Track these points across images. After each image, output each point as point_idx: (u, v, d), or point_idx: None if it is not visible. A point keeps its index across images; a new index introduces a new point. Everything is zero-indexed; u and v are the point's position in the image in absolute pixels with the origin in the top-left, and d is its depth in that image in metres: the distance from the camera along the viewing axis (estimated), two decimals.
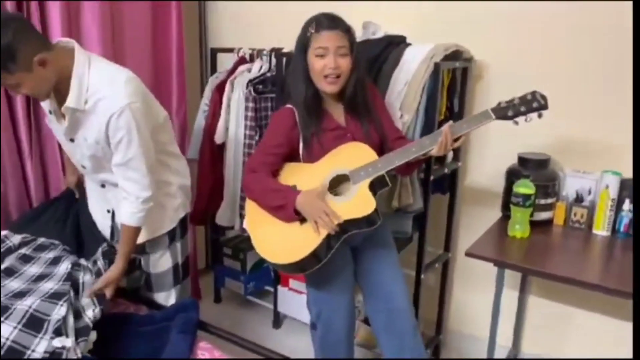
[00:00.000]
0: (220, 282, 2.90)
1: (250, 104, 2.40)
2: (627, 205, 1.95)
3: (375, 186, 1.63)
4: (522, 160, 2.08)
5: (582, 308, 2.22)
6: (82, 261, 1.76)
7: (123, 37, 2.43)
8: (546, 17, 2.07)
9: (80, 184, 2.01)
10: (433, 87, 2.00)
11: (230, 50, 2.66)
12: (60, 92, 1.58)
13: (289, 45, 2.36)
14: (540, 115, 1.60)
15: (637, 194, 1.88)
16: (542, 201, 2.02)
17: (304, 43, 1.64)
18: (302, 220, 1.62)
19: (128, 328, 1.69)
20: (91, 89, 1.56)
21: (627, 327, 2.11)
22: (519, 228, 1.95)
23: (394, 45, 2.10)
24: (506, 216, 2.07)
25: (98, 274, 1.72)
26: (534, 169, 2.03)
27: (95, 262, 1.77)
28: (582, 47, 2.03)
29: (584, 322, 2.21)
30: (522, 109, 1.58)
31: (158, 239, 1.88)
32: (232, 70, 2.56)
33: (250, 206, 1.74)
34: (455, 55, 2.12)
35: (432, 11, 2.30)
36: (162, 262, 1.92)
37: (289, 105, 1.71)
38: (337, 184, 1.66)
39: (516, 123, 1.61)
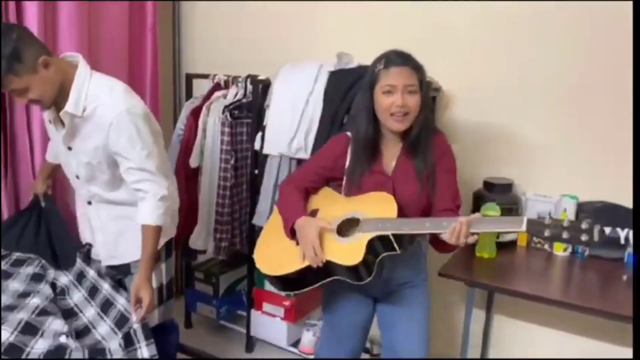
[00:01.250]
0: (191, 307, 2.87)
1: (226, 129, 2.44)
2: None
3: (376, 244, 1.51)
4: (488, 185, 2.20)
5: (545, 325, 2.33)
6: (64, 279, 1.74)
7: (99, 63, 2.44)
8: (509, 47, 2.23)
9: (47, 194, 2.01)
10: None
11: (206, 76, 2.71)
12: (60, 101, 1.62)
13: (263, 72, 2.45)
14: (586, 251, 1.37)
15: (637, 217, 1.93)
16: None
17: (371, 79, 1.57)
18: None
19: None
20: (90, 97, 1.61)
21: (587, 342, 2.24)
22: (486, 249, 2.05)
23: None
24: None
25: (92, 290, 1.71)
26: (499, 193, 2.16)
27: (82, 275, 1.75)
28: (542, 77, 2.19)
29: (546, 338, 2.33)
30: (564, 235, 1.31)
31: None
32: (208, 96, 2.61)
33: (269, 222, 1.81)
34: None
35: (403, 43, 2.42)
36: None
37: (348, 133, 1.69)
38: (350, 224, 1.61)
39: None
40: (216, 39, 2.97)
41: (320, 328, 2.46)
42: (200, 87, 2.76)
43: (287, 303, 2.51)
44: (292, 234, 1.62)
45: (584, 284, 1.95)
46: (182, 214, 2.55)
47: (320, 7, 2.62)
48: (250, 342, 2.70)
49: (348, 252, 1.51)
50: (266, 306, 2.57)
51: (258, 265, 1.70)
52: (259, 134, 2.38)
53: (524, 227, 1.34)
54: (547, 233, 1.33)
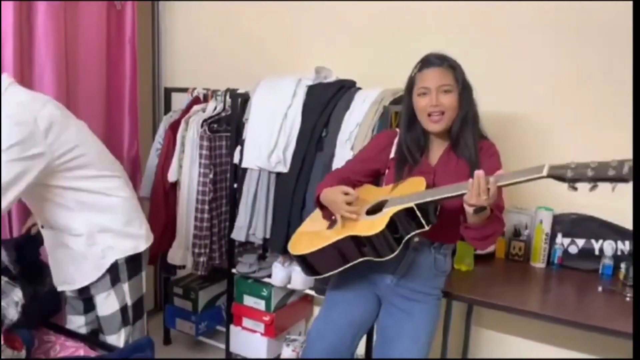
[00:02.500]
0: (170, 323, 2.83)
1: (205, 143, 2.43)
2: (560, 239, 2.12)
3: (403, 219, 1.49)
4: None
5: (522, 336, 2.35)
6: None
7: (77, 76, 2.43)
8: (485, 63, 2.26)
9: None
10: (381, 129, 2.12)
11: (185, 90, 2.70)
12: None
13: (242, 85, 2.46)
14: (613, 189, 1.25)
15: (637, 228, 1.91)
16: None
17: (409, 84, 1.66)
18: (330, 226, 1.68)
19: None
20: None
21: (565, 353, 2.26)
22: (464, 261, 2.07)
23: (345, 89, 2.22)
24: (452, 251, 2.19)
25: None
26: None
27: None
28: (517, 90, 2.23)
29: (525, 350, 2.34)
30: (590, 173, 1.25)
31: (97, 282, 1.83)
32: (187, 110, 2.60)
33: (312, 216, 1.86)
34: (402, 99, 2.26)
35: (382, 57, 2.46)
36: (108, 304, 1.85)
37: (396, 129, 1.76)
38: (378, 207, 1.61)
39: (574, 189, 1.30)
40: (195, 53, 2.97)
41: (300, 343, 2.45)
42: (179, 101, 2.75)
43: (266, 318, 2.49)
44: (321, 207, 1.70)
45: (561, 296, 1.97)
46: (159, 229, 2.56)
47: (299, 21, 2.65)
48: (230, 358, 2.67)
49: (370, 225, 1.52)
50: (246, 321, 2.55)
51: (290, 248, 1.73)
52: (238, 148, 2.37)
53: (545, 172, 1.30)
54: (569, 174, 1.28)
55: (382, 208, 1.58)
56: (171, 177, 2.52)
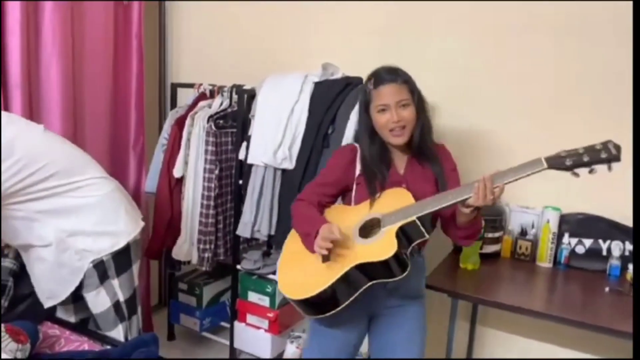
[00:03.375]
0: (174, 319, 2.83)
1: (211, 139, 2.43)
2: (567, 239, 2.10)
3: (406, 233, 1.51)
4: None
5: (527, 336, 2.33)
6: None
7: (82, 73, 2.43)
8: (493, 58, 2.25)
9: None
10: None
11: (191, 85, 2.70)
12: None
13: (248, 82, 2.45)
14: (610, 168, 1.37)
15: (637, 229, 1.94)
16: (490, 235, 2.15)
17: (365, 100, 1.64)
18: (324, 259, 1.54)
19: None
20: None
21: (571, 354, 2.25)
22: (470, 260, 2.06)
23: (352, 85, 2.21)
24: (457, 249, 2.18)
25: None
26: None
27: None
28: (524, 89, 2.21)
29: (531, 350, 2.33)
30: (585, 158, 1.37)
31: (86, 278, 1.83)
32: (193, 105, 2.59)
33: (288, 246, 1.73)
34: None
35: (388, 56, 2.43)
36: (99, 302, 1.87)
37: (355, 144, 1.73)
38: (371, 227, 1.59)
39: (576, 175, 1.40)
40: (202, 49, 2.96)
41: (304, 340, 2.44)
42: (186, 97, 2.75)
43: (271, 315, 2.48)
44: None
45: (567, 296, 1.95)
46: (164, 225, 2.56)
47: (306, 18, 2.64)
48: (234, 354, 2.67)
49: (378, 248, 1.49)
50: (250, 318, 2.54)
51: (284, 291, 1.60)
52: (244, 144, 2.37)
53: (545, 165, 1.40)
54: (568, 162, 1.38)
55: (374, 227, 1.57)
56: (177, 172, 2.52)
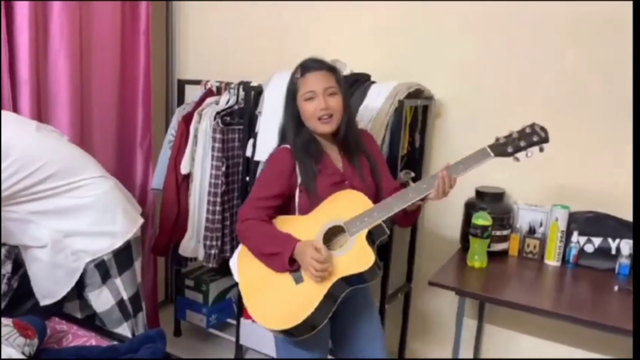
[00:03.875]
0: (181, 315, 2.84)
1: (218, 135, 2.43)
2: (575, 237, 2.09)
3: (373, 236, 1.53)
4: (479, 194, 2.19)
5: (535, 335, 2.32)
6: None
7: (91, 68, 2.43)
8: (501, 56, 2.23)
9: None
10: (396, 123, 2.10)
11: (198, 82, 2.70)
12: None
13: (255, 78, 2.44)
14: (541, 149, 1.52)
15: (637, 224, 1.94)
16: (498, 233, 2.13)
17: (292, 90, 1.63)
18: (297, 279, 1.51)
19: None
20: None
21: (579, 353, 2.23)
22: (477, 258, 2.04)
23: (360, 82, 2.20)
24: (465, 247, 2.17)
25: None
26: (490, 202, 2.15)
27: None
28: (533, 86, 2.20)
29: (538, 349, 2.31)
30: (522, 143, 1.51)
31: (87, 278, 1.84)
32: (200, 102, 2.59)
33: (244, 270, 1.62)
34: (416, 93, 2.24)
35: (396, 52, 2.44)
36: (102, 301, 1.87)
37: (286, 146, 1.64)
38: (332, 236, 1.57)
39: (517, 159, 1.52)
40: (209, 45, 2.96)
41: None
42: (193, 94, 2.75)
43: None
44: (290, 264, 1.51)
45: (575, 295, 1.94)
46: (171, 221, 2.57)
47: (314, 14, 2.62)
48: (240, 351, 2.67)
49: (356, 258, 1.49)
50: None
51: (272, 326, 1.51)
52: (251, 141, 2.36)
53: (492, 154, 1.51)
54: (510, 149, 1.51)
55: (337, 235, 1.56)
56: (184, 169, 2.52)
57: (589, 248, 2.09)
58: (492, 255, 2.09)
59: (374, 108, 2.09)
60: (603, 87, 2.07)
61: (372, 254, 1.48)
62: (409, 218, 1.66)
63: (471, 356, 2.45)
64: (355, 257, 1.49)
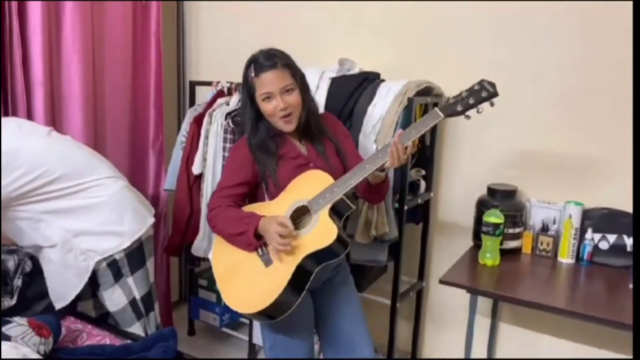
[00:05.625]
0: (194, 314, 2.86)
1: (229, 136, 2.43)
2: (590, 235, 2.06)
3: (337, 211, 1.56)
4: (491, 191, 2.17)
5: (549, 334, 2.29)
6: None
7: (103, 69, 2.46)
8: (513, 53, 2.21)
9: None
10: (406, 121, 2.09)
11: (209, 83, 2.71)
12: None
13: None
14: (492, 104, 1.52)
15: (637, 217, 1.91)
16: (511, 230, 2.11)
17: (248, 89, 1.64)
18: (267, 262, 1.55)
19: None
20: None
21: (593, 351, 2.20)
22: (489, 256, 2.03)
23: (369, 81, 2.19)
24: (477, 245, 2.15)
25: None
26: (503, 199, 2.13)
27: None
28: (545, 83, 2.17)
29: (552, 347, 2.29)
30: (471, 101, 1.51)
31: (100, 277, 1.86)
32: (211, 103, 2.60)
33: (218, 259, 1.66)
34: (426, 91, 2.23)
35: (405, 50, 2.43)
36: (116, 299, 1.89)
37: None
38: (298, 216, 1.60)
39: (468, 117, 1.53)
40: (219, 47, 2.97)
41: None
42: (204, 95, 2.77)
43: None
44: (257, 239, 1.55)
45: (590, 293, 1.91)
46: (184, 222, 2.58)
47: (323, 14, 2.62)
48: (253, 350, 2.68)
49: (319, 234, 1.52)
50: None
51: (244, 310, 1.54)
52: None
53: (441, 115, 1.52)
54: (459, 108, 1.52)
55: (304, 214, 1.58)
56: (195, 170, 2.54)
57: (604, 245, 2.06)
58: (504, 253, 2.07)
59: (384, 106, 2.08)
60: (616, 83, 2.04)
61: (334, 228, 1.50)
62: (376, 192, 1.66)
63: (485, 355, 2.43)
64: (319, 233, 1.52)
